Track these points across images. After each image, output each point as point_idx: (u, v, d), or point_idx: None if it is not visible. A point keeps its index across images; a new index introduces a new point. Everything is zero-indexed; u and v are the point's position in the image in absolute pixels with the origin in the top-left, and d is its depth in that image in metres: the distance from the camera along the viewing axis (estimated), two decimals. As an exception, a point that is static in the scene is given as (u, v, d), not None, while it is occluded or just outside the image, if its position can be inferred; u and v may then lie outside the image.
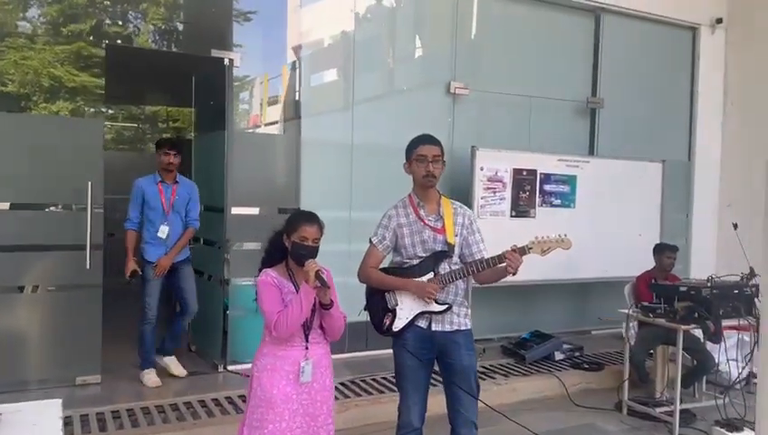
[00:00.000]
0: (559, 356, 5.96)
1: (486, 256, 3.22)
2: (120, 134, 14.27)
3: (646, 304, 4.99)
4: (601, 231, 6.54)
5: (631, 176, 6.81)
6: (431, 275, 3.20)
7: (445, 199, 3.30)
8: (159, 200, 5.01)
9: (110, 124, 13.28)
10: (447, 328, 3.23)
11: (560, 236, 3.19)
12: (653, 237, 6.55)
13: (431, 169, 3.19)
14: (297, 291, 2.85)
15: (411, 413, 3.22)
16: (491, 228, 5.78)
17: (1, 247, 4.63)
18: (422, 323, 3.22)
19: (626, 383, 5.05)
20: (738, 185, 7.59)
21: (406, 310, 3.22)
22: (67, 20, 6.93)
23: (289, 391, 2.83)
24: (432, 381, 3.35)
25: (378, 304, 3.30)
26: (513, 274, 3.13)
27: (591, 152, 7.12)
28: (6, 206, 4.69)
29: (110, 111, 13.20)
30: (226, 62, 5.39)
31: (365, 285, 3.37)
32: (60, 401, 2.62)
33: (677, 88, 7.76)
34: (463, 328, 3.26)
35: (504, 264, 3.10)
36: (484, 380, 5.32)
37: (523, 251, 3.11)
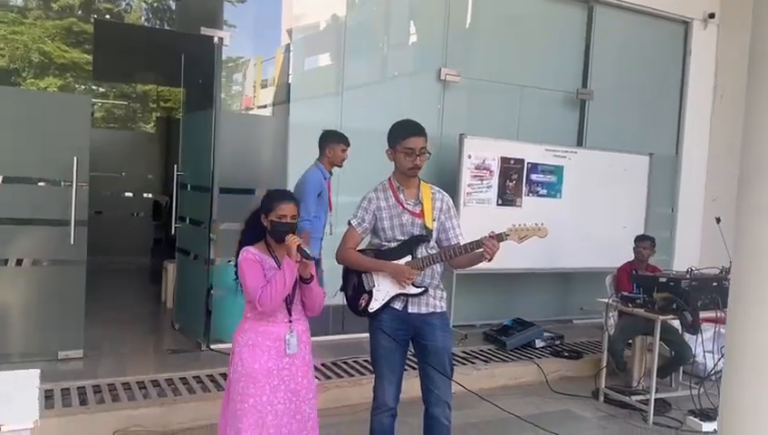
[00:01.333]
0: (539, 344, 6.03)
1: (462, 242, 3.26)
2: (110, 112, 14.21)
3: (625, 293, 5.05)
4: (586, 222, 6.60)
5: (618, 168, 6.86)
6: (408, 258, 3.23)
7: (424, 184, 3.33)
8: (328, 195, 4.89)
9: (100, 102, 13.20)
10: (423, 310, 3.27)
11: (536, 224, 3.21)
12: (637, 229, 6.59)
13: (418, 162, 3.22)
14: (279, 266, 2.89)
15: (386, 393, 3.27)
16: (477, 216, 5.85)
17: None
18: (398, 305, 3.26)
19: (603, 371, 5.13)
20: (724, 180, 7.63)
21: (382, 292, 3.26)
22: (58, -6, 6.83)
23: (270, 366, 2.88)
24: (409, 363, 3.39)
25: (354, 284, 3.34)
26: (489, 260, 3.16)
27: (580, 143, 7.16)
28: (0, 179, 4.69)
29: (101, 89, 13.11)
30: (216, 40, 5.37)
31: (342, 266, 3.40)
32: (38, 371, 2.64)
33: (668, 82, 7.80)
34: (438, 310, 3.30)
35: (482, 250, 3.13)
36: (465, 365, 5.39)
37: (500, 238, 3.14)
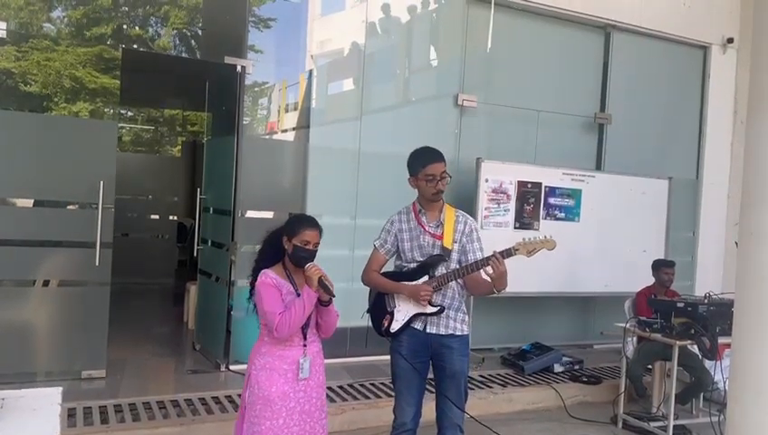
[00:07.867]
0: (558, 368, 6.00)
1: None
2: (138, 136, 14.52)
3: (643, 318, 5.03)
4: (605, 246, 6.59)
5: (637, 192, 6.85)
6: (426, 278, 3.30)
7: (448, 207, 3.40)
8: None
9: (128, 126, 13.52)
10: (442, 331, 3.32)
11: (545, 236, 3.25)
12: (658, 254, 6.56)
13: (440, 187, 3.29)
14: (296, 290, 2.92)
15: (405, 414, 3.34)
16: (494, 239, 5.84)
17: (17, 242, 4.79)
18: (418, 326, 3.33)
19: (621, 397, 5.08)
20: (746, 204, 7.57)
21: (402, 312, 3.34)
22: (90, 23, 7.11)
23: (286, 390, 2.90)
24: (430, 386, 3.43)
25: (379, 306, 3.43)
26: (496, 279, 3.12)
27: (598, 167, 7.17)
28: (30, 203, 4.87)
29: (130, 114, 13.42)
30: (239, 69, 5.52)
31: (369, 288, 3.51)
32: (60, 388, 2.73)
33: (687, 106, 7.78)
34: (458, 333, 3.34)
35: (490, 270, 3.14)
36: (481, 389, 5.38)
37: (508, 253, 3.16)
